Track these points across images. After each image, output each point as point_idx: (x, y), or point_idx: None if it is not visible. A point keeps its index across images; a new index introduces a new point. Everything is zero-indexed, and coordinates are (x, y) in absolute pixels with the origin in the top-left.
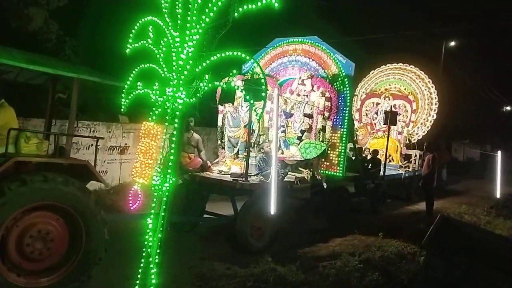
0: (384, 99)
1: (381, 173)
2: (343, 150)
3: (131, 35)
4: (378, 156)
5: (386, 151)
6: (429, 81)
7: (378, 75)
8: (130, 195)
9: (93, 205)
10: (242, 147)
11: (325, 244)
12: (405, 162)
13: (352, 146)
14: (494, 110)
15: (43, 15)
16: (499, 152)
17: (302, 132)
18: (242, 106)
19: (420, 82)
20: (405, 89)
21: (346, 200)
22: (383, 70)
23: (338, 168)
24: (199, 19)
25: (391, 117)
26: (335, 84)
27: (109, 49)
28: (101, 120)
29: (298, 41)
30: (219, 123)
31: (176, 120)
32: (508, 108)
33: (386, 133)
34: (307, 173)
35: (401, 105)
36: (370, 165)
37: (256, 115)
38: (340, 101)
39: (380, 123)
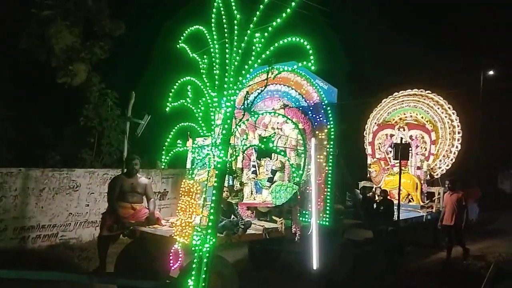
0: (399, 129)
1: (395, 216)
2: (329, 194)
3: (170, 93)
4: (389, 197)
5: (399, 190)
6: (449, 107)
7: (390, 103)
8: (171, 255)
9: None
10: (211, 192)
11: None
12: (427, 201)
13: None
14: None
15: (86, 69)
16: None
17: (274, 172)
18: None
19: (439, 108)
20: (422, 117)
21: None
22: (395, 97)
23: (325, 215)
24: (236, 80)
25: (402, 150)
26: (311, 114)
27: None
28: (141, 167)
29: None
30: (188, 165)
31: (215, 179)
32: None
33: (403, 168)
34: (281, 223)
35: (418, 136)
36: (381, 208)
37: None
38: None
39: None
